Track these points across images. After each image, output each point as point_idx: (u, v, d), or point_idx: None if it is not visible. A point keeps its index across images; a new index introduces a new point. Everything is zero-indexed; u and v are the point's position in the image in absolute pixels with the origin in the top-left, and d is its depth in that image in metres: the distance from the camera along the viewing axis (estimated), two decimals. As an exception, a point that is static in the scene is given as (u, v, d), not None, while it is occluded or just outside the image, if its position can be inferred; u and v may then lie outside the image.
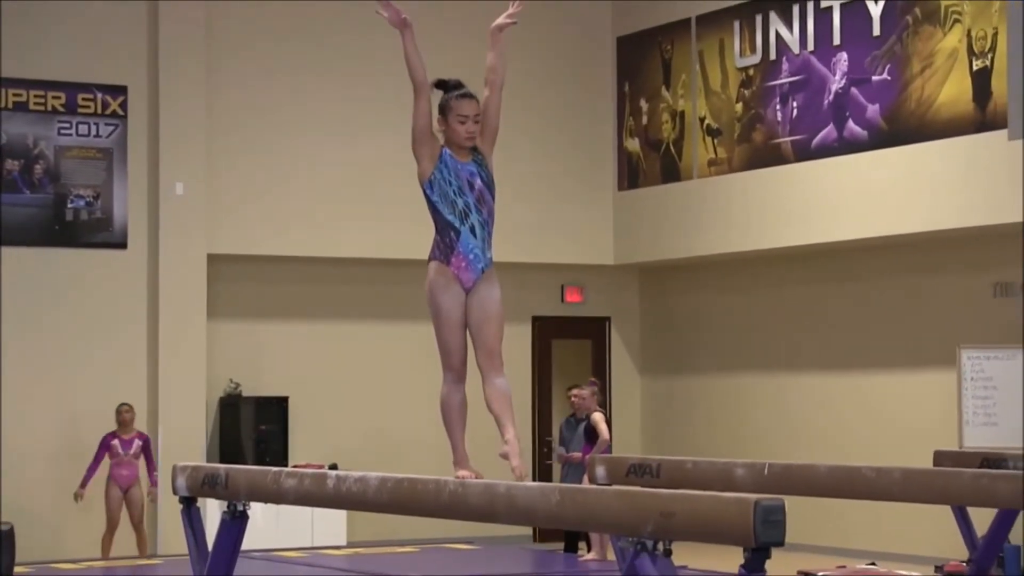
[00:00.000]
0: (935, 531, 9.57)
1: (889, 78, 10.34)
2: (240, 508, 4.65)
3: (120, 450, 9.98)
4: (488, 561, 8.18)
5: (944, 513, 6.32)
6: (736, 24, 11.55)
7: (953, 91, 9.90)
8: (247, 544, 4.87)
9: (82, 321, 10.80)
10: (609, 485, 5.36)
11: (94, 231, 10.90)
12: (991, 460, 6.34)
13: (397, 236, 11.57)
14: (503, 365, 4.17)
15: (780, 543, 3.18)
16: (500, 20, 4.32)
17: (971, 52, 9.80)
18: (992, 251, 10.25)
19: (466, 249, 4.19)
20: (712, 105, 11.80)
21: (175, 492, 4.90)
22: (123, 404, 10.13)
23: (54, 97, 10.77)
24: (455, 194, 4.20)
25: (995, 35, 9.63)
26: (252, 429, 11.34)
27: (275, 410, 11.42)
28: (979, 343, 10.07)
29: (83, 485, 9.94)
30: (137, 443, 10.00)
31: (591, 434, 9.60)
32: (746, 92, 11.49)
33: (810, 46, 10.94)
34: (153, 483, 9.96)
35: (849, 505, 8.37)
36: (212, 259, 11.16)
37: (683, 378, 12.77)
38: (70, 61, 10.82)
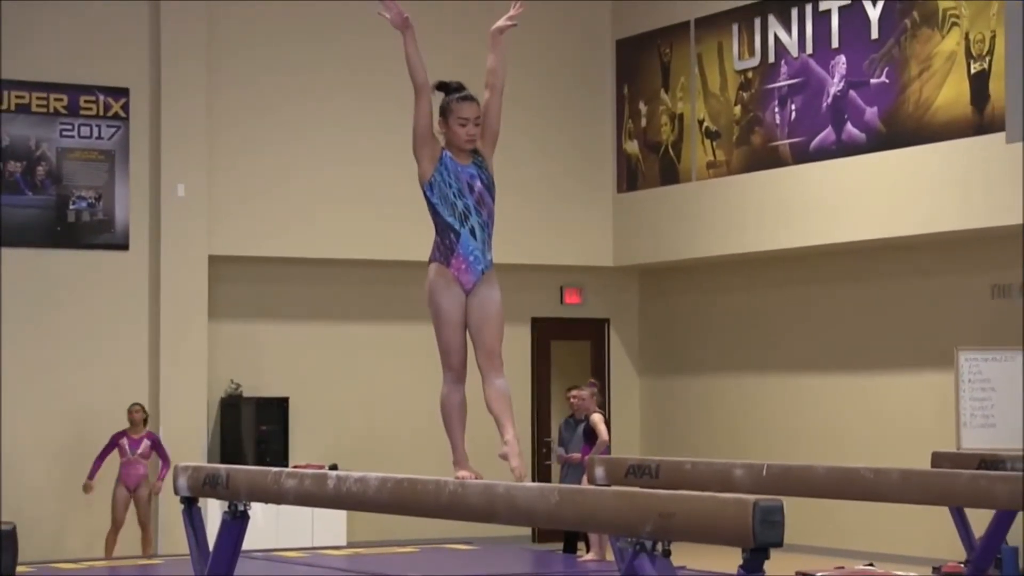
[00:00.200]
0: (933, 532, 9.61)
1: (887, 81, 10.38)
2: (241, 508, 4.66)
3: (127, 449, 10.01)
4: (487, 561, 8.20)
5: (942, 514, 6.34)
6: (735, 27, 11.58)
7: (951, 94, 9.93)
8: (247, 544, 4.87)
9: (84, 322, 10.83)
10: (608, 486, 5.38)
11: (96, 232, 10.93)
12: (989, 461, 6.35)
13: (398, 237, 11.61)
14: (503, 366, 4.18)
15: (779, 544, 3.19)
16: (500, 23, 4.33)
17: (969, 55, 9.84)
18: (990, 253, 10.28)
19: (466, 251, 4.20)
20: (711, 107, 11.83)
21: (176, 492, 4.90)
22: (134, 404, 10.16)
23: (56, 99, 10.81)
24: (455, 196, 4.21)
25: (993, 38, 9.67)
26: (253, 429, 11.36)
27: (276, 411, 11.45)
28: (977, 345, 10.10)
29: (91, 476, 9.98)
30: (145, 443, 10.01)
31: (590, 435, 9.62)
32: (745, 95, 11.52)
33: (808, 49, 10.97)
34: (159, 478, 9.96)
35: (847, 506, 8.41)
36: (213, 260, 11.19)
37: (682, 379, 12.80)
38: (72, 63, 10.85)
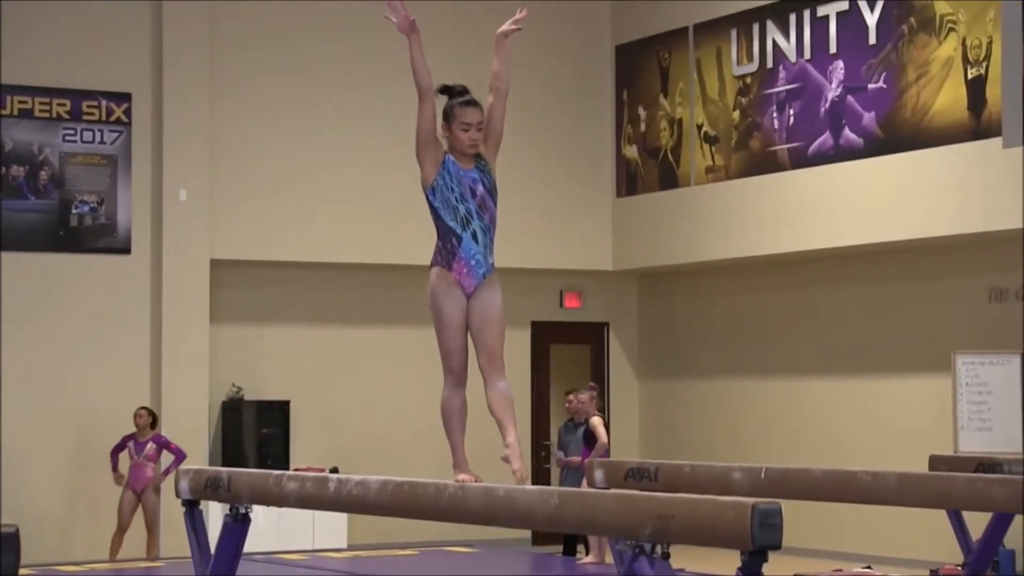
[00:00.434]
0: (931, 535, 9.65)
1: (885, 86, 10.42)
2: (242, 511, 4.68)
3: (133, 452, 10.04)
4: (487, 564, 8.23)
5: (940, 517, 6.38)
6: (733, 33, 11.63)
7: (948, 99, 9.97)
8: (249, 546, 4.89)
9: (86, 325, 10.87)
10: (607, 489, 5.42)
11: (98, 236, 10.97)
12: (986, 464, 6.40)
13: (398, 241, 11.66)
14: (504, 368, 4.18)
15: (777, 546, 3.21)
16: (505, 27, 4.34)
17: (966, 60, 9.88)
18: (987, 257, 10.31)
19: (468, 255, 4.21)
20: (710, 113, 11.88)
21: (178, 495, 4.92)
22: (139, 408, 10.18)
23: (59, 104, 10.85)
24: (457, 200, 4.22)
25: (990, 43, 9.71)
26: (254, 433, 11.40)
27: (277, 414, 11.48)
28: (974, 348, 10.14)
29: (114, 469, 10.00)
30: (151, 446, 10.02)
31: (590, 438, 9.65)
32: (743, 100, 11.57)
33: (807, 54, 11.02)
34: (164, 471, 9.98)
35: (845, 509, 8.46)
36: (215, 264, 11.23)
37: (681, 383, 12.84)
38: (74, 68, 10.89)
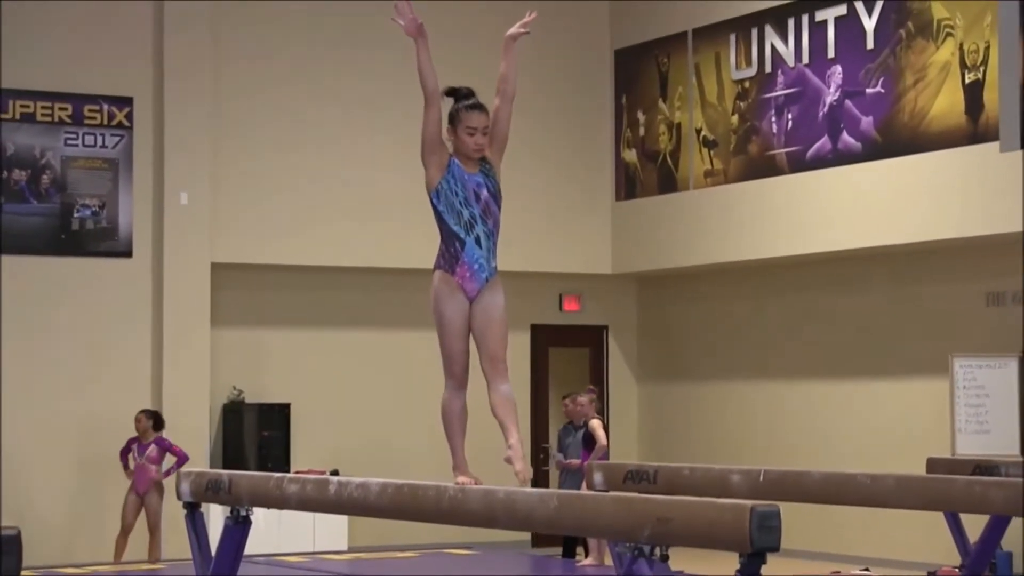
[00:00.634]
0: (928, 537, 9.68)
1: (883, 91, 10.46)
2: (243, 513, 4.69)
3: (136, 455, 10.08)
4: (487, 566, 8.26)
5: (937, 519, 6.40)
6: (732, 37, 11.67)
7: (946, 103, 10.01)
8: (249, 548, 4.90)
9: (88, 328, 10.90)
10: (607, 491, 5.44)
11: (100, 240, 11.00)
12: (984, 467, 6.41)
13: (398, 245, 11.69)
14: (507, 371, 4.18)
15: (775, 548, 3.22)
16: (514, 30, 4.34)
17: (963, 65, 9.92)
18: (984, 261, 10.35)
19: (471, 259, 4.20)
20: (708, 117, 11.91)
21: (179, 497, 4.93)
22: (139, 412, 10.21)
23: (61, 108, 10.88)
24: (461, 205, 4.22)
25: (987, 48, 9.75)
26: (255, 435, 11.43)
27: (277, 416, 11.51)
28: (971, 352, 10.17)
29: (125, 468, 10.03)
30: (153, 448, 10.03)
31: (589, 441, 9.68)
32: (742, 104, 11.61)
33: (805, 59, 11.06)
34: (165, 473, 10.00)
35: (843, 511, 8.48)
36: (216, 267, 11.26)
37: (680, 386, 12.87)
38: (76, 73, 10.92)
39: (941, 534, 6.70)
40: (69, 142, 10.92)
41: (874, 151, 10.51)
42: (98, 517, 10.62)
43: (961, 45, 9.92)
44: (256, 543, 5.51)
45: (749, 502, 3.25)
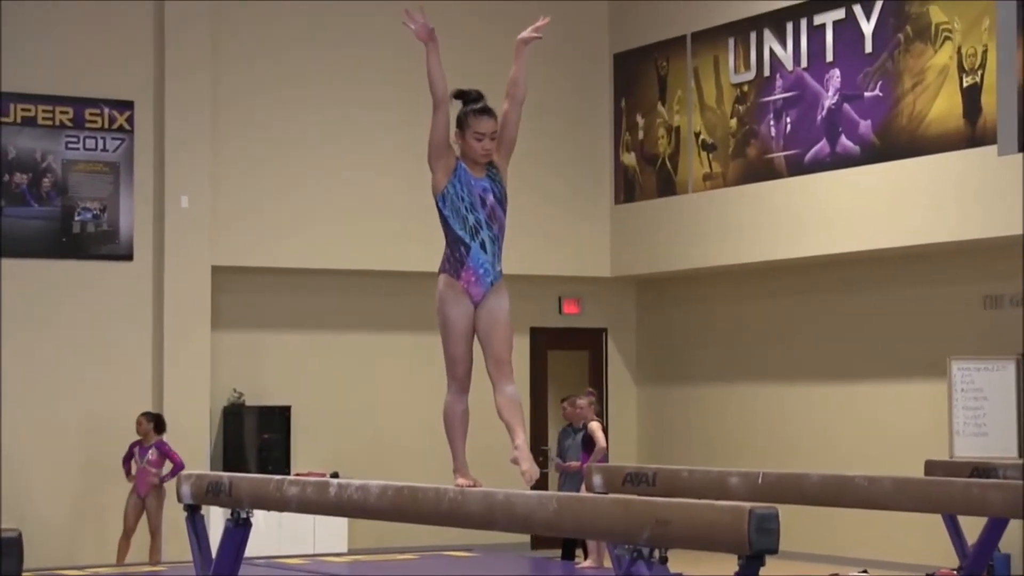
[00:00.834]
0: (926, 539, 9.71)
1: (881, 94, 10.49)
2: (243, 515, 4.70)
3: (137, 457, 10.10)
4: (487, 568, 8.28)
5: (935, 521, 6.40)
6: (731, 41, 11.70)
7: (944, 107, 10.04)
8: (250, 551, 4.91)
9: (88, 331, 10.93)
10: (606, 493, 5.45)
11: (101, 243, 11.03)
12: (981, 469, 6.42)
13: (399, 248, 11.73)
14: (513, 374, 4.19)
15: (774, 551, 3.22)
16: (526, 33, 4.32)
17: (961, 69, 9.95)
18: (982, 264, 10.38)
19: (476, 264, 4.21)
20: (707, 120, 11.95)
21: (180, 500, 4.94)
22: (140, 415, 10.23)
23: (62, 112, 10.91)
24: (467, 210, 4.21)
25: (985, 52, 9.79)
26: (255, 438, 11.45)
27: (278, 419, 11.54)
28: (969, 354, 10.20)
29: (128, 475, 10.05)
30: (153, 451, 10.07)
31: (588, 443, 9.70)
32: (740, 108, 11.64)
33: (803, 63, 11.09)
34: (161, 480, 10.02)
35: (842, 513, 8.50)
36: (216, 271, 11.29)
37: (679, 388, 12.90)
38: (77, 77, 10.95)
39: (939, 536, 6.72)
40: (70, 145, 10.95)
41: (872, 154, 10.54)
42: (99, 519, 10.65)
43: (959, 49, 9.96)
44: (256, 545, 5.51)
45: (748, 504, 3.26)
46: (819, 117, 10.94)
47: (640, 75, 12.58)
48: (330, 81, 11.79)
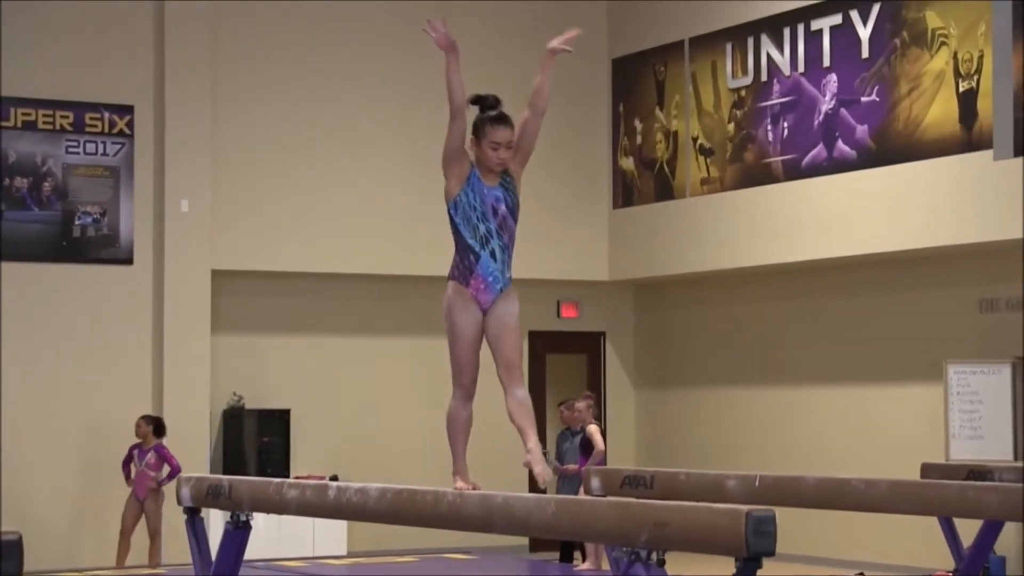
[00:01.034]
0: (922, 541, 9.73)
1: (877, 99, 10.53)
2: (243, 518, 4.70)
3: (136, 460, 10.14)
4: (485, 570, 8.30)
5: (931, 524, 6.43)
6: (728, 46, 11.74)
7: (940, 112, 10.08)
8: (249, 553, 4.91)
9: (89, 335, 10.95)
10: (604, 496, 5.49)
11: (101, 247, 11.06)
12: (977, 472, 6.45)
13: (398, 252, 11.76)
14: (523, 377, 4.21)
15: (771, 553, 3.23)
16: (556, 44, 4.32)
17: (957, 74, 10.00)
18: (978, 268, 10.41)
19: (485, 272, 4.19)
20: (705, 125, 11.99)
21: (179, 503, 4.95)
22: (140, 418, 10.25)
23: (62, 116, 10.94)
24: (478, 219, 4.18)
25: (981, 57, 9.83)
26: (255, 441, 11.48)
27: (277, 422, 11.56)
28: (965, 358, 10.23)
29: (128, 479, 10.09)
30: (152, 454, 10.10)
31: (587, 446, 9.73)
32: (738, 112, 11.68)
33: (800, 68, 11.13)
34: (158, 484, 10.05)
35: (838, 516, 8.52)
36: (216, 274, 11.32)
37: (676, 391, 12.93)
38: (77, 81, 10.98)
39: (935, 539, 6.74)
40: (70, 150, 10.98)
41: (869, 159, 10.58)
42: (99, 522, 10.67)
43: (955, 54, 10.00)
44: (256, 548, 5.50)
45: (745, 507, 3.26)
46: (816, 122, 10.98)
47: (638, 80, 12.62)
48: (330, 84, 11.82)
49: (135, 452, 10.15)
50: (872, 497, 5.21)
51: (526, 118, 4.25)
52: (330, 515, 4.57)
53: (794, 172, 11.14)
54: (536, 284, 12.57)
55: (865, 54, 10.60)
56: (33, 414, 10.73)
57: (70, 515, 10.81)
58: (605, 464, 9.50)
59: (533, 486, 12.43)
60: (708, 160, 11.94)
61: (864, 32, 10.63)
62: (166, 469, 10.04)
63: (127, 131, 11.13)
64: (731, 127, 11.71)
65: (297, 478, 10.33)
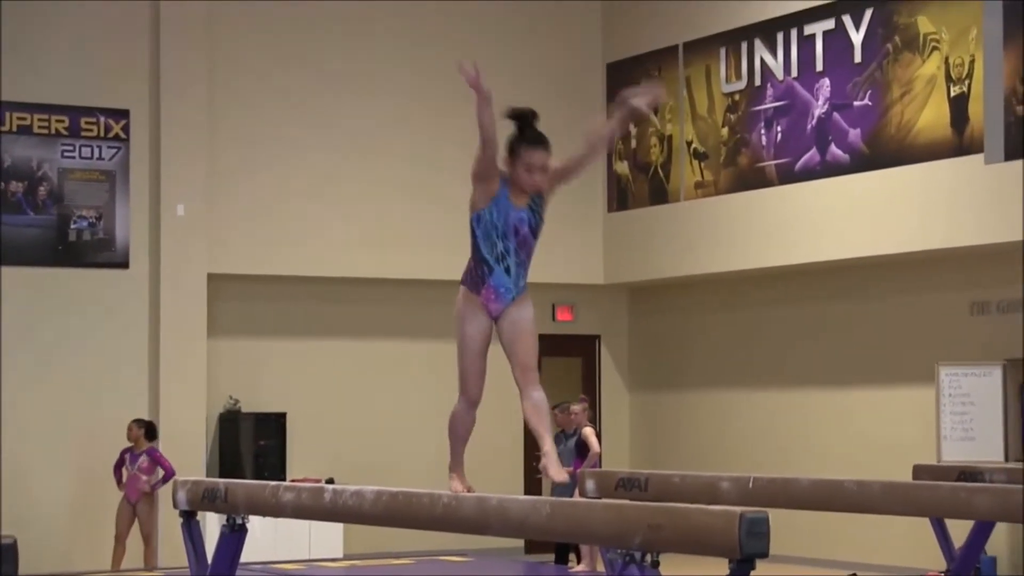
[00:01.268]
0: (915, 542, 9.79)
1: (870, 103, 10.59)
2: (239, 521, 4.69)
3: (128, 464, 10.16)
4: (481, 572, 8.33)
5: (923, 525, 6.48)
6: (722, 51, 11.79)
7: (932, 116, 10.14)
8: (245, 556, 4.91)
9: (85, 339, 10.97)
10: (599, 498, 5.51)
11: (97, 251, 11.08)
12: (968, 473, 6.49)
13: (395, 256, 11.79)
14: (539, 379, 4.19)
15: (764, 554, 3.24)
16: (639, 103, 4.15)
17: (949, 79, 10.05)
18: (969, 271, 10.47)
19: (497, 284, 4.18)
20: (699, 129, 12.03)
21: (176, 506, 4.94)
22: (131, 422, 10.27)
23: (58, 120, 10.96)
24: (498, 237, 4.14)
25: (972, 62, 9.89)
26: (251, 444, 11.51)
27: (273, 426, 11.59)
28: (957, 360, 10.29)
29: (119, 483, 10.11)
30: (144, 458, 10.12)
31: (582, 449, 9.77)
32: (732, 117, 11.73)
33: (794, 72, 11.18)
34: (152, 487, 10.07)
35: (831, 517, 8.56)
36: (212, 278, 11.34)
37: (671, 394, 12.97)
38: (73, 85, 11.00)
39: (927, 539, 6.79)
40: (66, 154, 11.00)
41: (862, 163, 10.63)
42: (95, 525, 10.68)
43: (947, 59, 10.06)
44: (252, 551, 5.54)
45: (738, 509, 3.26)
46: (809, 126, 11.03)
47: (633, 84, 12.61)
48: (328, 90, 11.84)
49: (127, 456, 10.16)
50: (865, 498, 5.22)
51: (582, 156, 4.19)
52: (326, 518, 4.55)
53: (787, 176, 11.19)
54: (531, 287, 12.51)
55: (858, 59, 10.65)
56: (30, 418, 10.75)
57: (67, 519, 10.83)
58: (600, 466, 9.53)
59: (530, 488, 12.47)
60: (702, 164, 11.98)
61: (857, 37, 10.68)
62: (159, 472, 10.05)
63: (123, 135, 11.15)
64: (725, 131, 11.76)
65: (293, 481, 10.37)
